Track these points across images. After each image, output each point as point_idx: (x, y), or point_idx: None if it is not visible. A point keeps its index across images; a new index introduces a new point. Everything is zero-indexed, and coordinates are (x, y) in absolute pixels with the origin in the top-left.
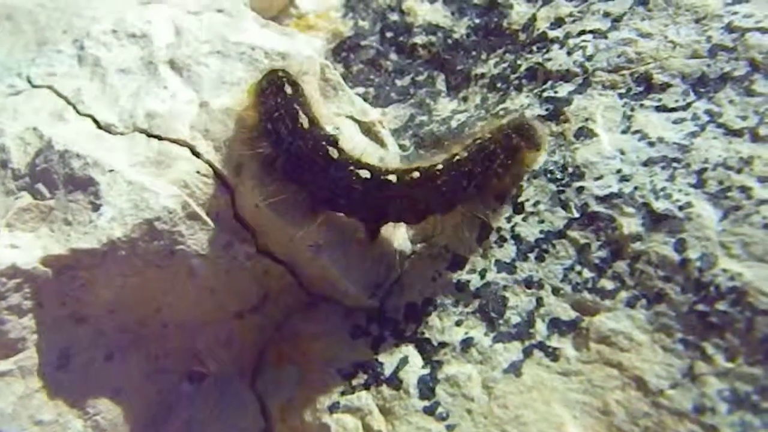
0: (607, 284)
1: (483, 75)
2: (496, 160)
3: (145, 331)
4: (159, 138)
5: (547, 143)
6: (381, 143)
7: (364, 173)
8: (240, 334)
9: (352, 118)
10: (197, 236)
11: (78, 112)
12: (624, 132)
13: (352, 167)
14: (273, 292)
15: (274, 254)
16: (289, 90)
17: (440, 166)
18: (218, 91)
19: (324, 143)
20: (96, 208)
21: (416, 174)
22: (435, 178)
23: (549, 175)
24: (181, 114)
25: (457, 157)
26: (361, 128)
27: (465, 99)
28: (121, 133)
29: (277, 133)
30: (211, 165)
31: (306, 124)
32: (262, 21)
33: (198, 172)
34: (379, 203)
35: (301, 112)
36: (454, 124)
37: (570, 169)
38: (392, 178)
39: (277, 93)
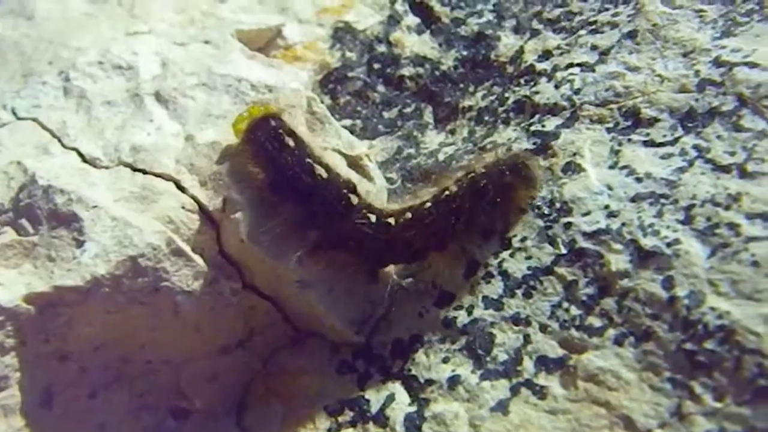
0: (595, 321)
1: (470, 107)
2: (486, 196)
3: (129, 368)
4: (144, 172)
5: (541, 183)
6: (368, 177)
7: (373, 217)
8: (225, 370)
9: (338, 151)
10: (182, 272)
11: (63, 145)
12: (612, 167)
13: (365, 211)
14: (259, 327)
15: (260, 290)
16: (291, 143)
17: (429, 204)
18: (204, 124)
19: (345, 191)
20: (80, 244)
21: (408, 215)
22: (425, 217)
23: (536, 211)
24: (167, 147)
25: (447, 193)
26: (348, 162)
27: (452, 132)
28: (106, 167)
29: (293, 187)
30: (196, 200)
31: (324, 175)
32: (249, 52)
33: (183, 207)
34: (382, 246)
35: (315, 165)
36: (441, 157)
37: (557, 205)
38: (391, 221)
39: (281, 149)
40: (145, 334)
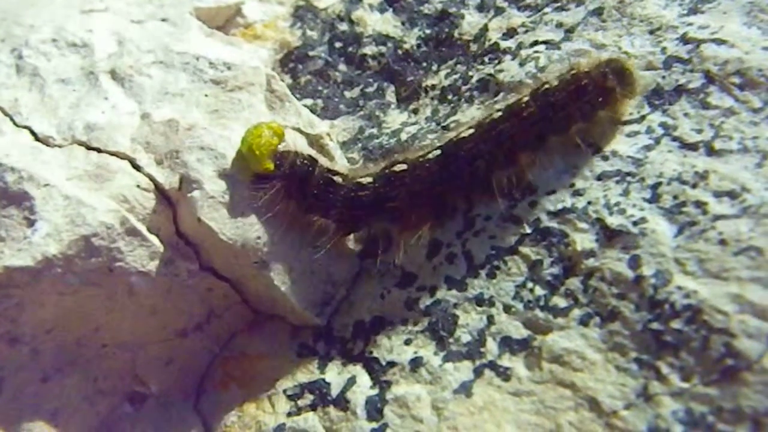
0: (560, 302)
1: (434, 86)
2: (585, 96)
3: (83, 352)
4: (98, 150)
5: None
6: (329, 156)
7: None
8: (183, 354)
9: (299, 130)
10: (137, 253)
11: (15, 123)
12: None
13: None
14: (217, 309)
15: (218, 271)
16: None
17: (526, 98)
18: (161, 102)
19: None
20: (31, 223)
21: (499, 114)
22: (521, 110)
23: (501, 190)
24: (122, 126)
25: (546, 86)
26: (309, 141)
27: (415, 111)
28: (59, 146)
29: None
30: (152, 179)
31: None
32: (208, 30)
33: (138, 186)
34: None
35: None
36: (404, 136)
37: (522, 184)
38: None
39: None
40: (99, 316)
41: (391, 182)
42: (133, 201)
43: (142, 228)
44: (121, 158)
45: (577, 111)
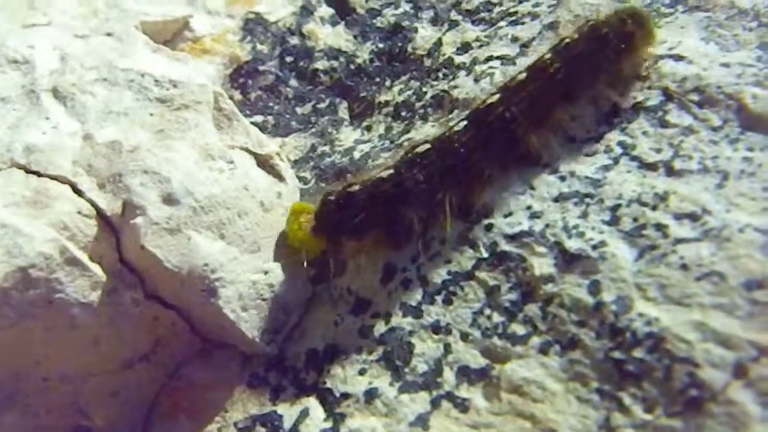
0: (518, 329)
1: (387, 103)
2: (609, 45)
3: (23, 386)
4: (38, 174)
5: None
6: (279, 177)
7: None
8: (129, 385)
9: (247, 150)
10: (77, 283)
11: None
12: (534, 165)
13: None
14: (164, 338)
15: (165, 299)
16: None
17: (548, 55)
18: (104, 122)
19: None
20: None
21: (523, 75)
22: (546, 68)
23: (456, 211)
24: (64, 147)
25: (567, 40)
26: (258, 161)
27: (369, 128)
28: None
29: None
30: (93, 204)
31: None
32: (154, 45)
33: (79, 213)
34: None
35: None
36: (357, 155)
37: (477, 206)
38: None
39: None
40: (39, 349)
41: (417, 164)
42: (73, 228)
43: (83, 257)
44: (62, 182)
45: (602, 61)
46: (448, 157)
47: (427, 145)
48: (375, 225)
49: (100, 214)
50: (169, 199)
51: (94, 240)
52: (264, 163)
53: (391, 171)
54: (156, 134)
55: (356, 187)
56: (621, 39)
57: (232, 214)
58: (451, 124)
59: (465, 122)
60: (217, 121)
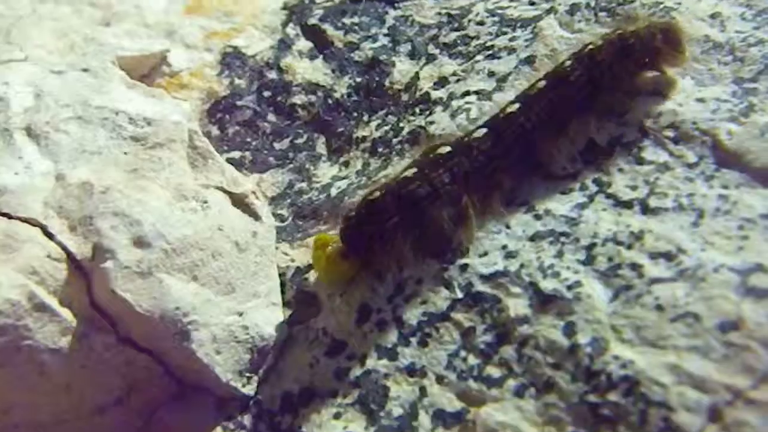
0: (494, 372)
1: (364, 138)
2: (632, 56)
3: None
4: (8, 216)
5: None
6: (254, 216)
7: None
8: (103, 430)
9: (222, 189)
10: (47, 329)
11: None
12: (509, 203)
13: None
14: (138, 382)
15: (138, 343)
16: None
17: (569, 62)
18: (77, 162)
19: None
20: None
21: (543, 83)
22: (566, 74)
23: (431, 251)
24: (35, 188)
25: (591, 47)
26: (233, 200)
27: (346, 164)
28: None
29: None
30: (63, 247)
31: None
32: (130, 81)
33: (49, 257)
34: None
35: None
36: (334, 192)
37: (453, 244)
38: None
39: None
40: (9, 396)
41: (440, 165)
42: (43, 273)
43: (53, 302)
44: (33, 225)
45: (623, 71)
46: (468, 161)
47: (448, 147)
48: (407, 228)
49: (71, 258)
50: (140, 242)
51: (64, 284)
52: (239, 202)
53: (415, 169)
54: (129, 174)
55: (377, 194)
56: (646, 53)
57: (206, 256)
58: (470, 129)
59: (485, 129)
60: (192, 160)
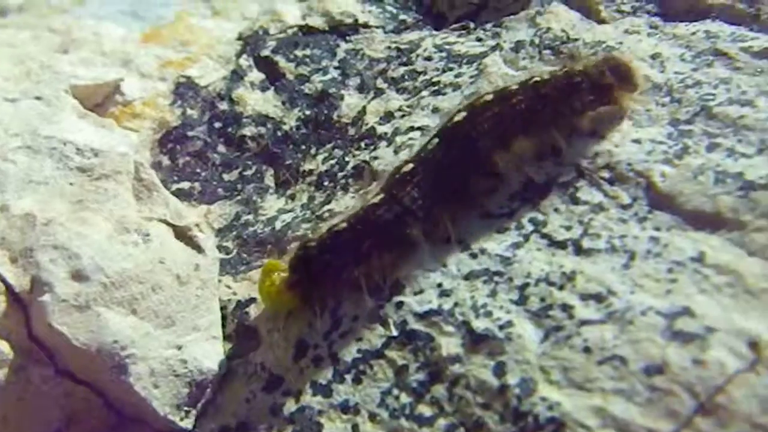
0: (426, 410)
1: (311, 171)
2: (579, 93)
3: None
4: None
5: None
6: (197, 248)
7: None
8: None
9: (165, 221)
10: None
11: None
12: (446, 241)
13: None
14: (77, 414)
15: (76, 375)
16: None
17: (515, 87)
18: (23, 192)
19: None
20: None
21: (489, 96)
22: (511, 96)
23: (368, 288)
24: None
25: (536, 79)
26: (176, 233)
27: (293, 197)
28: None
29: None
30: (3, 279)
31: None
32: (81, 111)
33: None
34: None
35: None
36: (278, 225)
37: (390, 282)
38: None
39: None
40: None
41: (407, 182)
42: None
43: None
44: None
45: (566, 108)
46: (432, 174)
47: (411, 165)
48: (380, 252)
49: (10, 290)
50: (78, 276)
51: (2, 316)
52: (182, 234)
53: (383, 195)
54: (74, 205)
55: (344, 225)
56: (595, 90)
57: (146, 289)
58: (423, 142)
59: (437, 139)
60: (137, 192)
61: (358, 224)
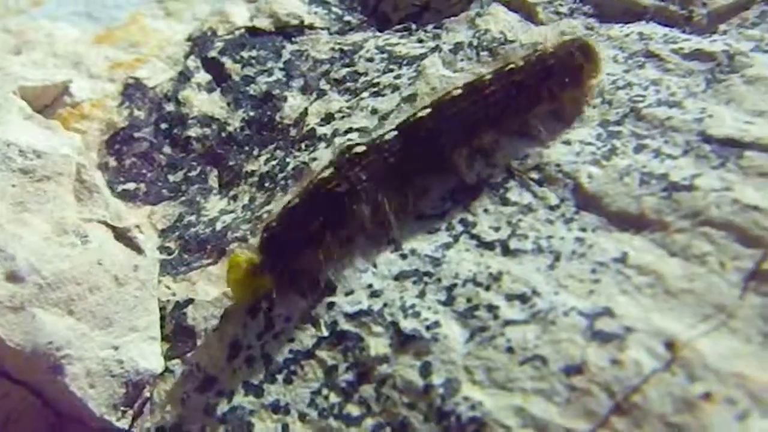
0: (354, 410)
1: (253, 172)
2: (552, 75)
3: None
4: None
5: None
6: (137, 249)
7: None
8: None
9: (105, 223)
10: None
11: None
12: (376, 242)
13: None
14: (14, 414)
15: (13, 375)
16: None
17: (489, 76)
18: None
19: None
20: None
21: (459, 91)
22: (484, 88)
23: (300, 289)
24: None
25: (511, 66)
26: (115, 234)
27: (235, 198)
28: None
29: None
30: None
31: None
32: (28, 112)
33: None
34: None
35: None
36: (219, 226)
37: (322, 283)
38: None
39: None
40: None
41: (356, 164)
42: None
43: None
44: None
45: (542, 92)
46: (381, 160)
47: (363, 147)
48: (333, 228)
49: None
50: (13, 277)
51: None
52: (122, 236)
53: (332, 169)
54: (15, 206)
55: (296, 201)
56: (567, 72)
57: (83, 290)
58: (381, 132)
59: (395, 132)
60: (78, 193)
61: (309, 199)
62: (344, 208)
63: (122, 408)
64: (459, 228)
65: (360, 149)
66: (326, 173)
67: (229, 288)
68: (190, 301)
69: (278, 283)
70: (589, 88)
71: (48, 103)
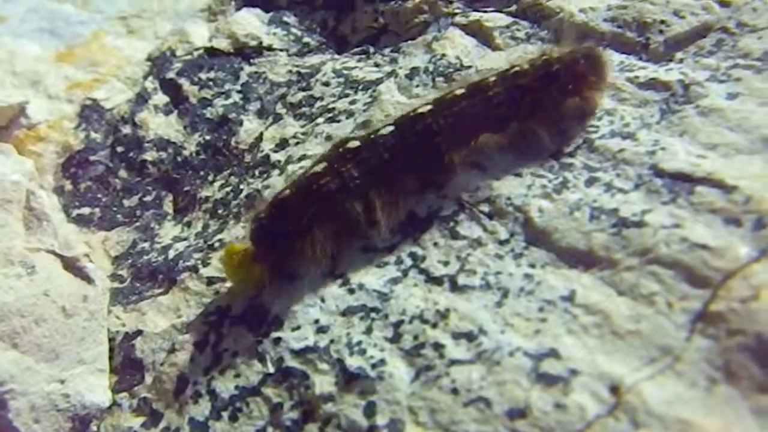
0: None
1: (207, 198)
2: (557, 81)
3: None
4: None
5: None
6: (86, 279)
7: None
8: None
9: (53, 252)
10: None
11: None
12: (325, 276)
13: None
14: None
15: None
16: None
17: (493, 78)
18: None
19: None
20: None
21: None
22: (488, 89)
23: (247, 324)
24: None
25: (516, 69)
26: (64, 264)
27: (189, 224)
28: None
29: None
30: None
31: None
32: None
33: None
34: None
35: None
36: (171, 254)
37: (270, 317)
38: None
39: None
40: None
41: (349, 160)
42: None
43: None
44: None
45: (545, 98)
46: (375, 157)
47: (357, 142)
48: (322, 222)
49: None
50: None
51: None
52: (70, 265)
53: (325, 164)
54: None
55: (287, 192)
56: (570, 79)
57: (28, 323)
58: (377, 127)
59: (392, 127)
60: (27, 221)
61: (301, 192)
62: (335, 203)
63: None
64: (408, 262)
65: (354, 144)
66: (319, 168)
67: (228, 277)
68: (139, 332)
69: (270, 272)
70: (591, 100)
71: (4, 124)
